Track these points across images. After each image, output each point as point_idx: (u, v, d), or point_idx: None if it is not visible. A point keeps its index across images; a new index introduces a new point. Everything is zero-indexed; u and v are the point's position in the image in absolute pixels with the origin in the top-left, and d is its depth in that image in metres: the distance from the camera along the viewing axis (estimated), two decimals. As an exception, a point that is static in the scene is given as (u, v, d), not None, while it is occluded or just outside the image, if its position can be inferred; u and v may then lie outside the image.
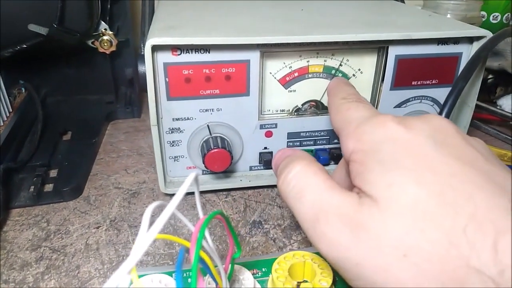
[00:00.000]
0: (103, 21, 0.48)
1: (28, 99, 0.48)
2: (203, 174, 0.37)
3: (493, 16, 0.68)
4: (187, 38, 0.30)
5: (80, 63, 0.52)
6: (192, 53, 0.31)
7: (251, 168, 0.38)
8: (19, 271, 0.29)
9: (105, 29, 0.48)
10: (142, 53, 0.38)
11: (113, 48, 0.48)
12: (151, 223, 0.15)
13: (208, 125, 0.34)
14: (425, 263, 0.16)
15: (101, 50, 0.48)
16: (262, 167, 0.38)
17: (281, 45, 0.32)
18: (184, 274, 0.26)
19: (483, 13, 0.68)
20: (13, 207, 0.35)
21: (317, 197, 0.20)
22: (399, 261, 0.16)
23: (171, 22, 0.34)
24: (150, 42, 0.29)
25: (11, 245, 0.31)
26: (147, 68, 0.30)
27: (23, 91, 0.49)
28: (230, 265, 0.23)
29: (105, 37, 0.48)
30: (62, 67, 0.52)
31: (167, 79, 0.32)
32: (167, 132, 0.34)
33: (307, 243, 0.31)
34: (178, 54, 0.31)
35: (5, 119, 0.42)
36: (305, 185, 0.21)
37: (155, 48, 0.30)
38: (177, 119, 0.34)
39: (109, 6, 0.49)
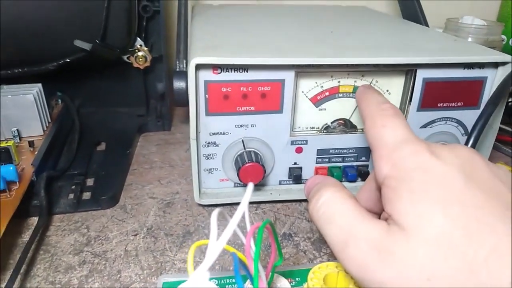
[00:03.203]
0: (139, 38, 0.50)
1: (64, 110, 0.50)
2: (234, 186, 0.39)
3: (512, 40, 0.70)
4: (229, 58, 0.32)
5: (114, 76, 0.54)
6: (231, 72, 0.33)
7: (280, 183, 0.39)
8: (64, 273, 0.30)
9: (141, 45, 0.50)
10: (178, 69, 0.40)
11: (147, 64, 0.50)
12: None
13: (242, 140, 0.36)
14: (447, 286, 0.17)
15: (135, 65, 0.50)
16: (291, 182, 0.39)
17: (315, 66, 0.34)
18: (224, 280, 0.28)
19: (503, 36, 0.69)
20: (54, 213, 0.37)
21: (347, 223, 0.22)
22: (422, 283, 0.18)
23: (211, 41, 0.36)
24: (194, 61, 0.31)
25: (55, 249, 0.33)
26: (190, 85, 0.32)
27: (60, 102, 0.52)
28: (271, 272, 0.24)
29: (140, 53, 0.50)
30: (96, 80, 0.54)
31: (207, 95, 0.34)
32: (203, 146, 0.36)
33: (336, 256, 0.33)
34: (219, 73, 0.33)
35: (45, 129, 0.45)
36: (334, 211, 0.23)
37: (198, 67, 0.32)
38: (214, 134, 0.35)
39: (144, 23, 0.51)
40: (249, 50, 0.35)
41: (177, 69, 0.41)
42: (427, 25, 0.52)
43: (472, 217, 0.18)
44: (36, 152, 0.40)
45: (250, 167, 0.35)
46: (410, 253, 0.18)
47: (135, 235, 0.35)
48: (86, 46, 0.41)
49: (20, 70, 0.44)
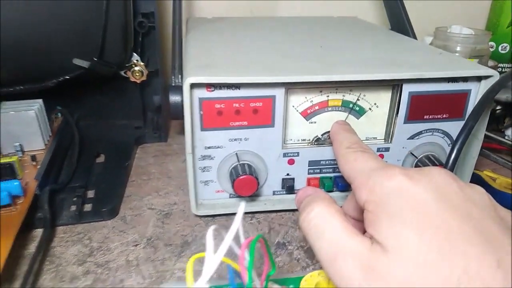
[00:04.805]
0: (135, 53, 0.52)
1: (64, 123, 0.52)
2: (229, 197, 0.40)
3: (501, 47, 0.72)
4: (222, 77, 0.34)
5: (112, 90, 0.56)
6: (224, 89, 0.35)
7: (274, 193, 0.41)
8: (69, 283, 0.32)
9: (137, 60, 0.52)
10: (173, 84, 0.42)
11: (144, 78, 0.52)
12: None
13: (236, 153, 0.38)
14: None
15: (132, 79, 0.52)
16: (284, 192, 0.41)
17: (304, 83, 0.36)
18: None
19: (492, 43, 0.71)
20: (58, 224, 0.38)
21: (335, 238, 0.23)
22: None
23: (205, 60, 0.38)
24: (189, 80, 0.33)
25: (60, 259, 0.34)
26: (185, 102, 0.34)
27: (59, 116, 0.53)
28: (265, 281, 0.26)
29: (136, 68, 0.52)
30: (94, 94, 0.56)
31: (201, 112, 0.35)
32: (199, 159, 0.37)
33: (327, 263, 0.34)
34: (212, 91, 0.35)
35: (46, 143, 0.46)
36: (324, 226, 0.24)
37: (192, 85, 0.34)
38: (209, 147, 0.37)
39: (140, 38, 0.53)
40: (240, 68, 0.36)
41: (173, 84, 0.43)
42: (414, 36, 0.54)
43: (445, 239, 0.20)
44: (38, 166, 0.42)
45: (244, 180, 0.36)
46: (391, 271, 0.20)
47: (136, 245, 0.36)
48: (85, 64, 0.43)
49: (21, 87, 0.45)
